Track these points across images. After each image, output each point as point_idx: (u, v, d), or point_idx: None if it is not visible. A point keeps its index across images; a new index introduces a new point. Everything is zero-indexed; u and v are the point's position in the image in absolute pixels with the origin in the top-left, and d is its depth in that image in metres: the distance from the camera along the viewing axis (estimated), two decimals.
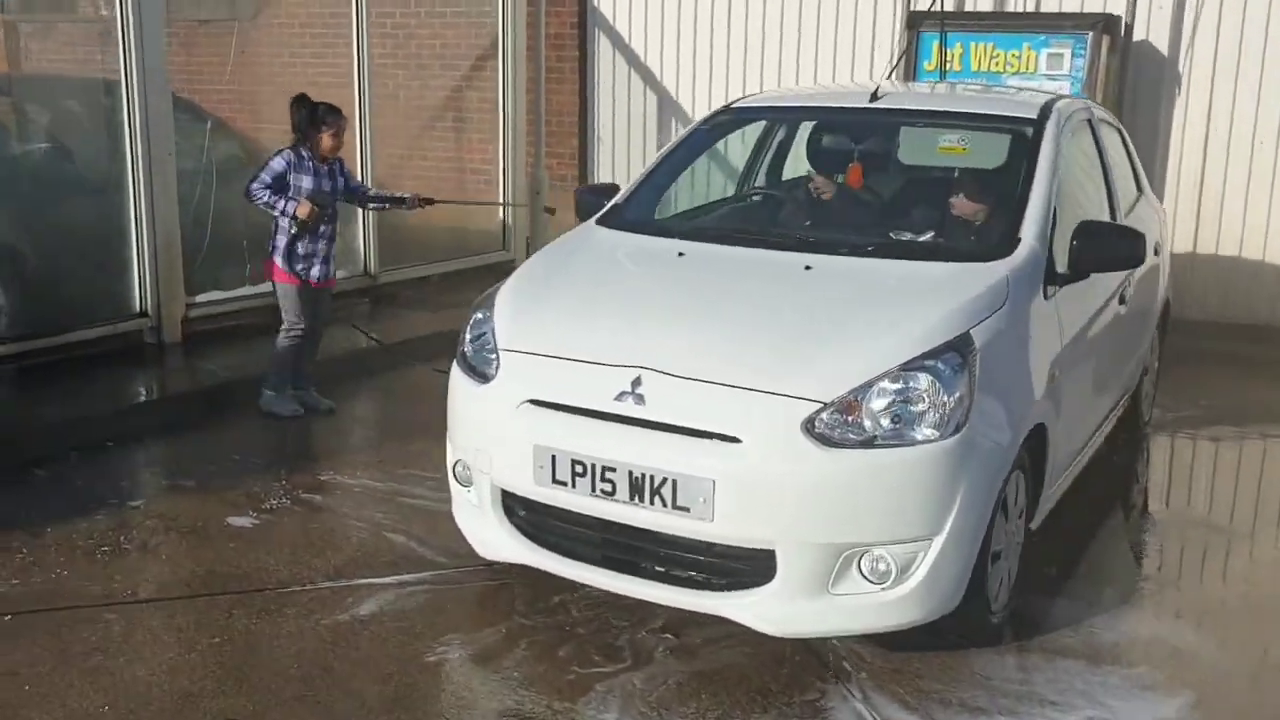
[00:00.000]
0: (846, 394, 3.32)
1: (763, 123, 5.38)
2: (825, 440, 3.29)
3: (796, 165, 5.34)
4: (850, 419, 3.32)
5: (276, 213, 5.58)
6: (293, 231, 5.60)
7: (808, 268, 3.92)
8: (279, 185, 5.58)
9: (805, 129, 5.25)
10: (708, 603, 3.47)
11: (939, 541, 3.33)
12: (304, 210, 5.51)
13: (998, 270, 3.82)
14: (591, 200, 4.91)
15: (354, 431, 5.93)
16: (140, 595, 3.93)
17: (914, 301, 3.66)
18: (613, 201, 4.74)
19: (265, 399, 5.85)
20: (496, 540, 3.82)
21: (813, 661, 3.60)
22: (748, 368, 3.43)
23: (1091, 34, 7.61)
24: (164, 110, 6.67)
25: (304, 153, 5.64)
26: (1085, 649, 3.75)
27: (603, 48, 10.18)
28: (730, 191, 5.41)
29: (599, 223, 4.61)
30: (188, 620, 3.77)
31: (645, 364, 3.51)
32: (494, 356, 3.85)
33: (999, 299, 3.67)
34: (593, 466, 3.48)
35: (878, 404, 3.33)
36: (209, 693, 3.35)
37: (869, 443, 3.31)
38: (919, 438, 3.31)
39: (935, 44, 7.96)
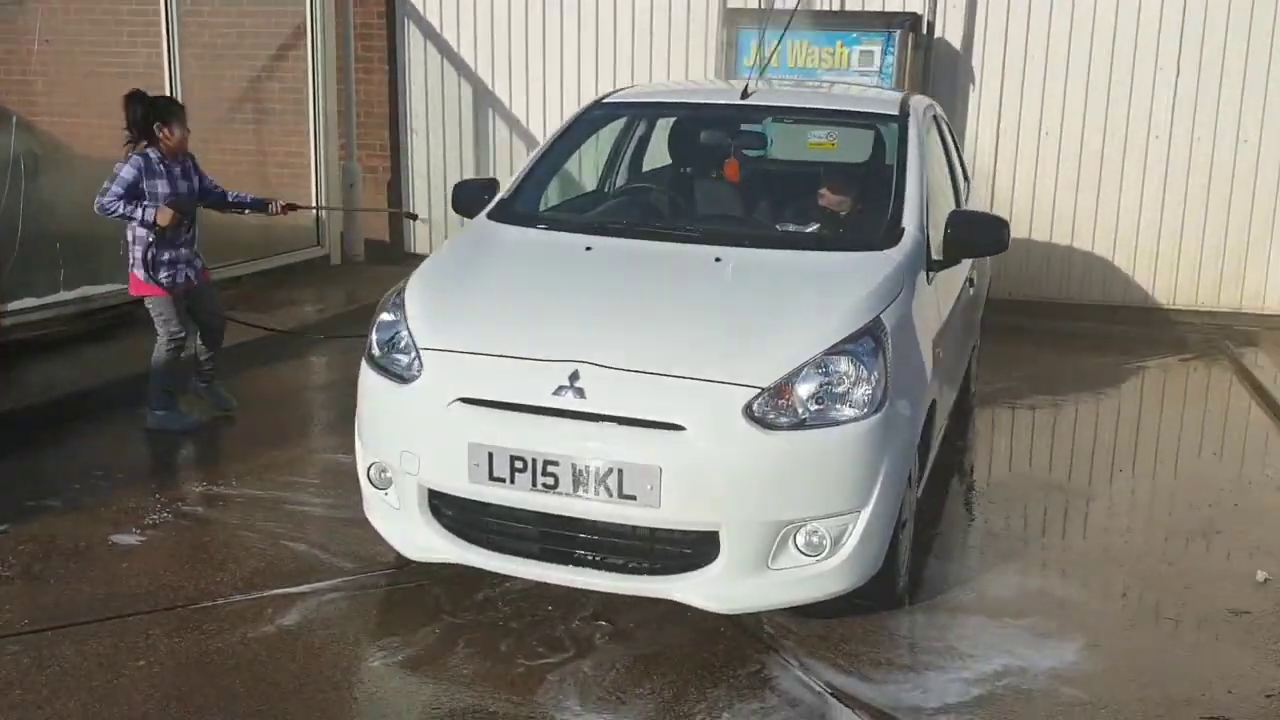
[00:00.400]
0: (780, 379, 3.50)
1: (621, 118, 5.48)
2: (763, 424, 3.45)
3: (657, 159, 5.48)
4: (783, 403, 3.50)
5: (135, 223, 5.29)
6: (150, 240, 5.32)
7: (717, 259, 4.08)
8: (132, 194, 5.29)
9: (666, 124, 5.40)
10: (653, 586, 3.58)
11: (866, 513, 3.55)
12: (165, 218, 5.26)
13: (892, 258, 4.09)
14: (473, 194, 4.92)
15: (213, 440, 5.70)
16: (41, 624, 3.70)
17: (826, 290, 3.88)
18: (499, 196, 4.76)
19: (154, 419, 5.52)
20: (425, 541, 3.80)
21: (744, 636, 3.77)
22: (686, 358, 3.55)
23: (899, 32, 8.10)
24: None
25: (153, 155, 5.36)
26: (981, 605, 4.07)
27: (413, 38, 10.04)
28: (593, 185, 5.48)
29: (491, 218, 4.62)
30: (103, 645, 3.59)
31: (581, 358, 3.58)
32: (412, 356, 3.82)
33: (897, 285, 3.94)
34: (533, 461, 3.52)
35: (806, 388, 3.52)
36: (155, 717, 3.21)
37: (800, 424, 3.49)
38: (845, 417, 3.52)
39: (754, 42, 8.29)
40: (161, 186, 5.35)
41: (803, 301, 3.81)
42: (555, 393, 3.55)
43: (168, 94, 7.88)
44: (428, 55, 10.04)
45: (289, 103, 9.84)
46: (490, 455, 3.56)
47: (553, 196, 5.33)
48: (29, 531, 4.40)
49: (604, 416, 3.50)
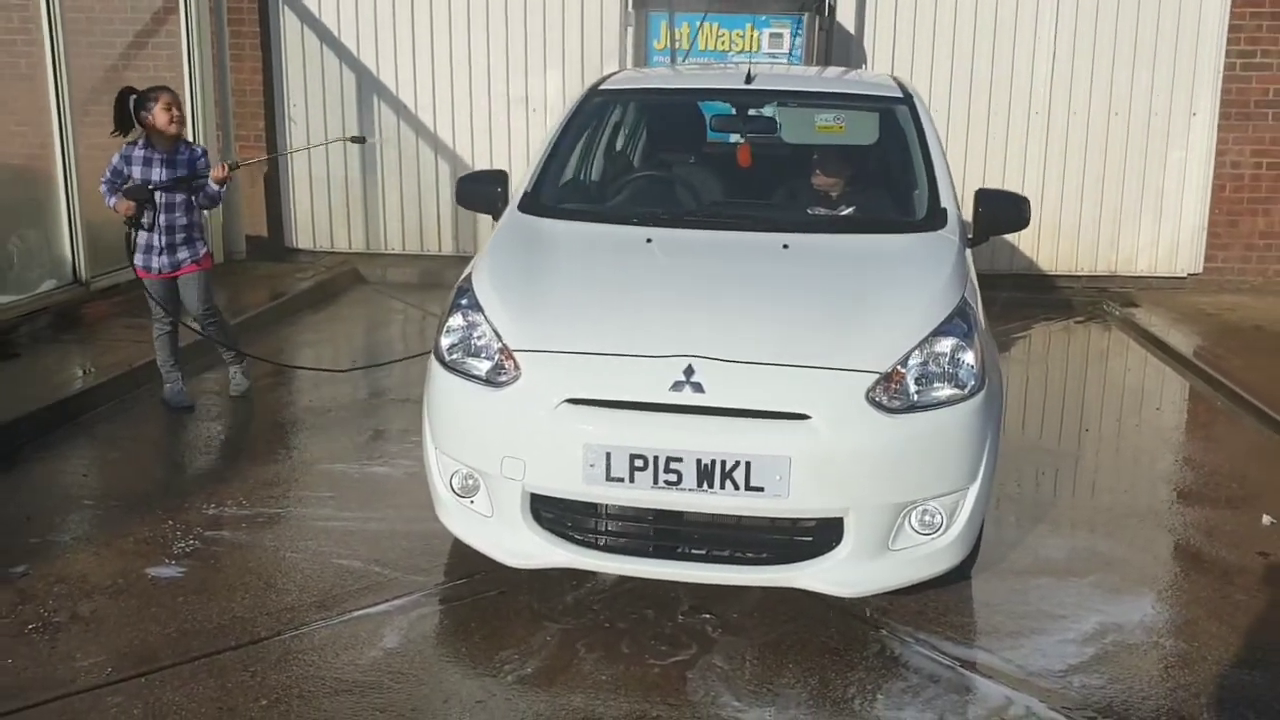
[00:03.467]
0: (895, 363, 3.55)
1: (609, 104, 5.40)
2: (883, 408, 3.50)
3: (653, 145, 5.44)
4: (895, 386, 3.56)
5: (112, 210, 5.50)
6: (126, 228, 5.50)
7: (785, 246, 4.10)
8: (119, 180, 5.46)
9: (662, 111, 5.35)
10: (778, 575, 3.59)
11: (974, 488, 3.66)
12: (122, 207, 5.43)
13: (949, 239, 4.21)
14: (481, 188, 4.78)
15: (198, 455, 5.34)
16: (128, 670, 3.39)
17: (910, 273, 3.96)
18: (523, 189, 4.62)
19: (164, 391, 5.83)
20: (527, 547, 3.67)
21: (849, 618, 3.82)
22: (800, 347, 3.56)
23: (806, 15, 8.27)
24: None
25: (140, 144, 5.45)
26: (1041, 567, 4.26)
27: (288, 21, 9.61)
28: (590, 173, 5.37)
29: (523, 211, 4.49)
30: (209, 687, 3.32)
31: (693, 352, 3.53)
32: (501, 359, 3.69)
33: (964, 265, 4.07)
34: (655, 459, 3.46)
35: (914, 370, 3.59)
36: None
37: (912, 407, 3.55)
38: (953, 397, 3.60)
39: (663, 24, 8.30)
40: (136, 173, 5.44)
41: (893, 285, 3.87)
42: (673, 388, 3.49)
43: (53, 86, 7.32)
44: (305, 39, 9.62)
45: None
46: (608, 455, 3.48)
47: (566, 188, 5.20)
48: (53, 571, 4.01)
49: (726, 410, 3.47)
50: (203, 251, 5.73)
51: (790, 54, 8.32)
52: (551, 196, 4.66)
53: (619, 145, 5.33)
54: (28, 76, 7.74)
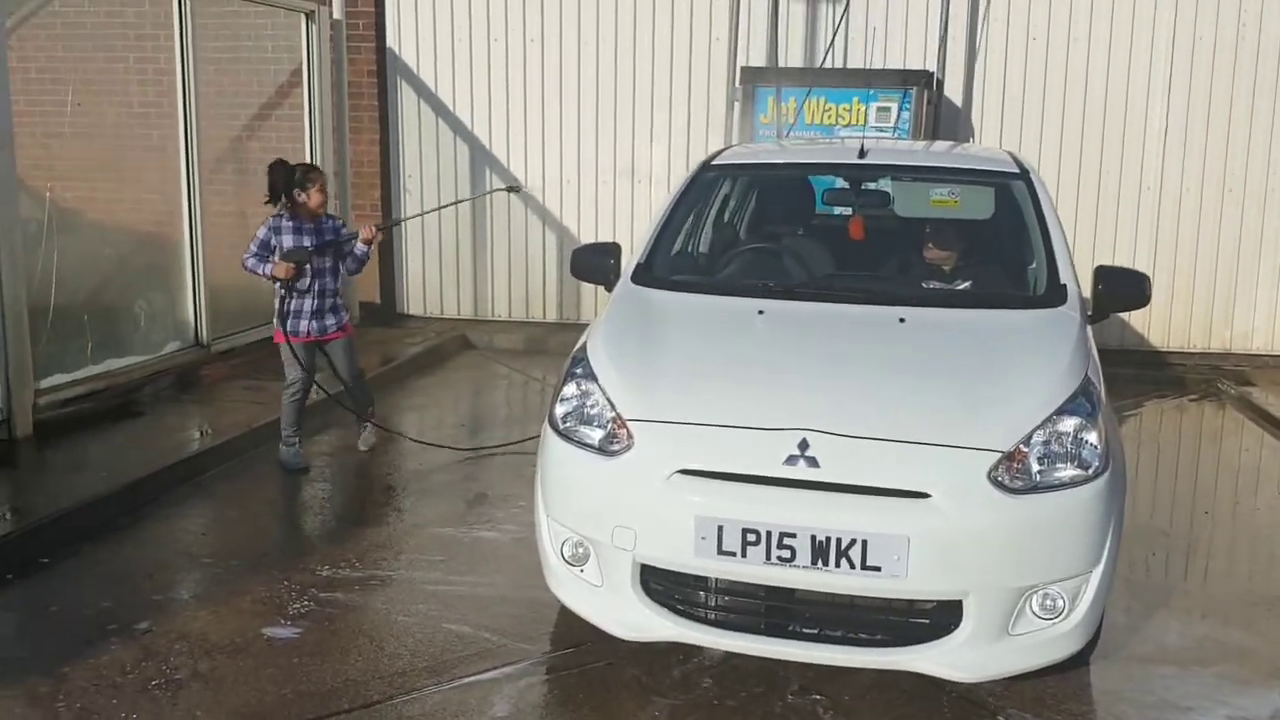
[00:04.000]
0: (1018, 442, 3.49)
1: (721, 179, 5.45)
2: (1005, 488, 3.44)
3: (763, 218, 5.47)
4: (1017, 466, 3.49)
5: (264, 277, 5.76)
6: (280, 293, 5.75)
7: (901, 320, 4.08)
8: (265, 252, 5.77)
9: (774, 185, 5.39)
10: (894, 658, 3.52)
11: (1098, 572, 3.56)
12: (280, 270, 5.67)
13: (1071, 316, 4.15)
14: (595, 260, 4.86)
15: (312, 516, 5.46)
16: None
17: (1032, 350, 3.90)
18: (636, 261, 4.68)
19: (280, 453, 6.04)
20: (637, 619, 3.66)
21: (966, 703, 3.73)
22: (919, 424, 3.52)
23: (915, 89, 8.28)
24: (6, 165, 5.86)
25: (284, 215, 5.78)
26: (1164, 655, 4.11)
27: (405, 95, 9.91)
28: (701, 246, 5.42)
29: (636, 282, 4.54)
30: None
31: (808, 425, 3.52)
32: (610, 428, 3.72)
33: (1085, 342, 4.00)
34: (768, 534, 3.44)
35: (1039, 450, 3.52)
36: None
37: (1034, 488, 3.48)
38: (1077, 478, 3.52)
39: (770, 99, 8.38)
40: (287, 241, 5.75)
41: (1015, 362, 3.82)
42: (787, 462, 3.48)
43: (184, 153, 7.66)
44: (421, 113, 9.91)
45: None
46: (720, 528, 3.47)
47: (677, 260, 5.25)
48: (174, 628, 4.12)
49: (843, 486, 3.44)
50: (346, 318, 6.07)
51: (896, 128, 8.33)
52: (664, 268, 4.71)
53: (732, 218, 5.37)
54: (159, 148, 8.11)
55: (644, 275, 4.60)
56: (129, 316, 7.38)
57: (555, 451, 3.85)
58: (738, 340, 4.07)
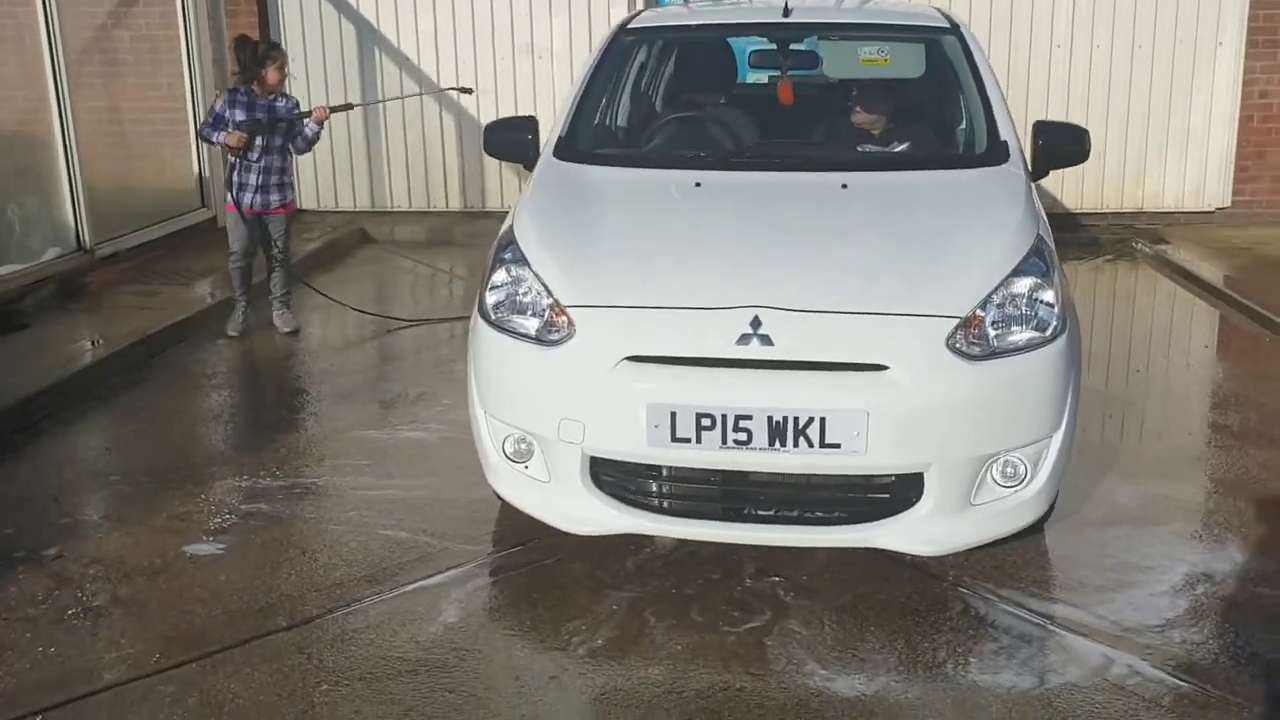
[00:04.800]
0: (975, 307, 3.35)
1: (638, 44, 5.13)
2: (964, 355, 3.30)
3: (686, 85, 5.18)
4: (974, 332, 3.35)
5: (217, 145, 6.13)
6: (230, 160, 6.02)
7: (844, 186, 3.88)
8: (219, 123, 6.01)
9: (694, 49, 5.10)
10: (855, 535, 3.40)
11: (1058, 436, 3.46)
12: (232, 139, 5.92)
13: (1015, 174, 4.00)
14: (512, 136, 4.55)
15: (222, 425, 5.14)
16: (177, 657, 3.21)
17: (979, 210, 3.75)
18: (557, 134, 4.39)
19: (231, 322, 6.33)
20: (588, 513, 3.48)
21: (924, 576, 3.65)
22: (873, 293, 3.36)
23: None
24: None
25: (241, 90, 6.04)
26: (1117, 516, 4.08)
27: None
28: (624, 117, 5.11)
29: (560, 158, 4.26)
30: (265, 673, 3.13)
31: (758, 303, 3.32)
32: (551, 315, 3.48)
33: (1032, 200, 3.85)
34: (723, 418, 3.26)
35: (993, 314, 3.39)
36: None
37: (993, 353, 3.35)
38: (1035, 341, 3.40)
39: None
40: (240, 114, 5.98)
41: (965, 224, 3.66)
42: (739, 342, 3.28)
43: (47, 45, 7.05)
44: None
45: (142, 51, 8.91)
46: (673, 415, 3.28)
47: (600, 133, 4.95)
48: (87, 552, 3.82)
49: (798, 363, 3.27)
50: (291, 196, 6.29)
51: None
52: (588, 142, 4.44)
53: (650, 87, 5.07)
54: (15, 38, 7.44)
55: (567, 150, 4.31)
56: (1, 223, 6.84)
57: (489, 344, 3.61)
58: (676, 215, 3.84)
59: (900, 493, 3.37)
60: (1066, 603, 3.51)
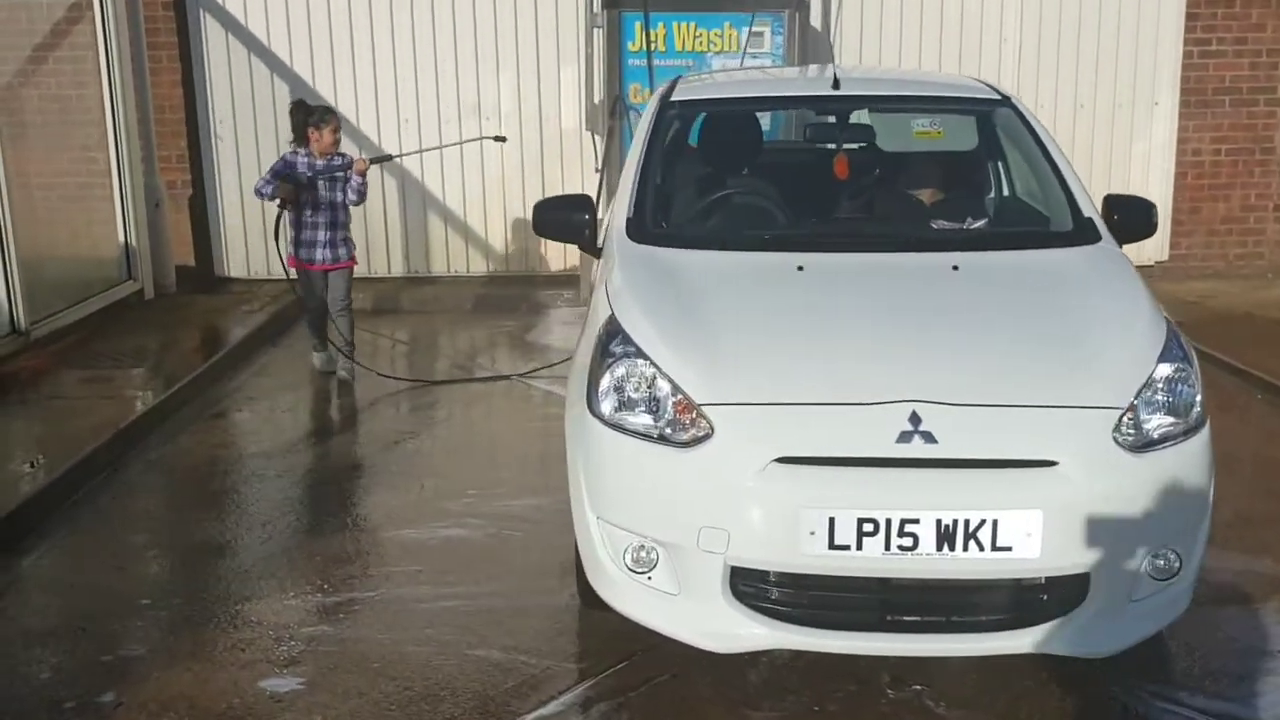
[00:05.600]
0: (1132, 397, 3.23)
1: (682, 117, 4.91)
2: (1127, 448, 3.17)
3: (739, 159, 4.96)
4: (1131, 422, 3.23)
5: (269, 200, 6.41)
6: (288, 218, 6.45)
7: (955, 267, 3.74)
8: (275, 178, 6.33)
9: (740, 122, 4.91)
10: (1019, 641, 3.20)
11: (1204, 526, 3.37)
12: (282, 192, 6.29)
13: (1115, 253, 3.93)
14: (568, 215, 4.30)
15: (237, 530, 4.65)
16: None
17: (1106, 294, 3.64)
18: (626, 216, 4.13)
19: (313, 359, 6.85)
20: (732, 628, 3.21)
21: (1069, 681, 3.47)
22: (1034, 384, 3.21)
23: (787, 13, 7.95)
24: None
25: (300, 151, 6.39)
26: (1219, 594, 4.00)
27: (211, 30, 8.82)
28: (682, 194, 4.83)
29: (634, 239, 4.01)
30: None
31: (914, 396, 3.14)
32: (677, 414, 3.22)
33: (1144, 281, 3.78)
34: (887, 522, 3.05)
35: (1148, 403, 3.27)
36: None
37: (1150, 444, 3.23)
38: (1186, 427, 3.30)
39: (638, 25, 7.86)
40: (296, 171, 6.34)
41: (1097, 309, 3.54)
42: (899, 440, 3.09)
43: None
44: (230, 49, 8.81)
45: (51, 113, 8.30)
46: (831, 520, 3.06)
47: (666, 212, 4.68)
48: (149, 697, 3.35)
49: (963, 461, 3.09)
50: (345, 254, 6.56)
51: (771, 54, 7.98)
52: (658, 222, 4.20)
53: (698, 161, 4.86)
54: None
55: (640, 231, 4.07)
56: None
57: (606, 446, 3.32)
58: (791, 303, 3.62)
59: (1064, 594, 3.20)
60: (1218, 695, 3.40)
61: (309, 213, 6.36)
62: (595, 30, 8.21)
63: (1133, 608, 3.27)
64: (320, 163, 6.34)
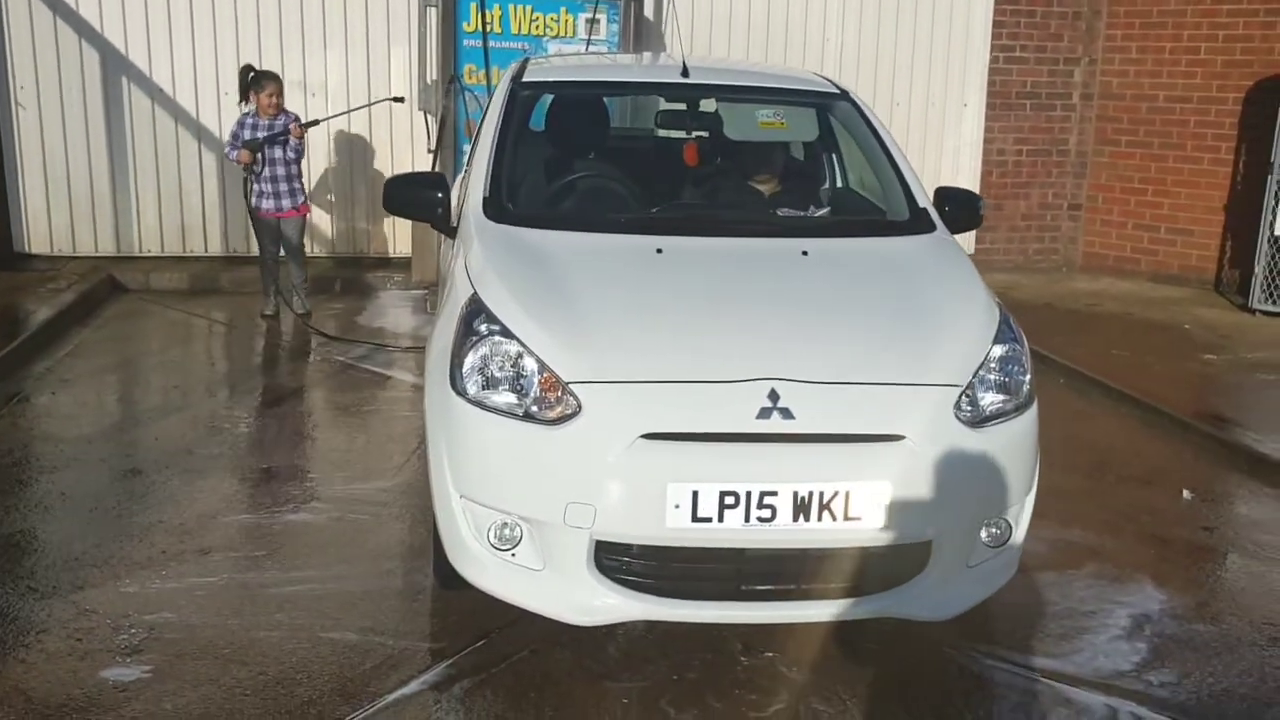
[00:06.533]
0: (971, 376, 3.43)
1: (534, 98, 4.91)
2: (966, 424, 3.38)
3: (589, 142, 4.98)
4: (968, 399, 3.43)
5: (235, 162, 7.27)
6: (245, 175, 7.20)
7: (804, 253, 3.88)
8: (236, 141, 7.17)
9: (590, 105, 4.95)
10: (868, 607, 3.36)
11: (1030, 497, 3.61)
12: (243, 156, 7.11)
13: (949, 241, 4.15)
14: (420, 193, 4.26)
15: (65, 516, 4.41)
16: None
17: (944, 280, 3.84)
18: (481, 195, 4.11)
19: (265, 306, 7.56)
20: (598, 601, 3.26)
21: (910, 644, 3.67)
22: (879, 363, 3.37)
23: (623, 1, 8.03)
24: None
25: (249, 113, 7.18)
26: (1031, 562, 4.27)
27: None
28: (533, 175, 4.81)
29: (493, 219, 4.00)
30: None
31: (772, 374, 3.26)
32: (542, 391, 3.26)
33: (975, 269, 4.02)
34: (747, 495, 3.16)
35: (984, 381, 3.48)
36: None
37: (985, 420, 3.44)
38: (1017, 405, 3.52)
39: (473, 5, 7.80)
40: (246, 135, 7.12)
41: (937, 294, 3.72)
42: (759, 415, 3.20)
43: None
44: (34, 12, 8.28)
45: None
46: (695, 494, 3.15)
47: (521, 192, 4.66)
48: None
49: (819, 436, 3.23)
50: (300, 201, 7.34)
51: (607, 40, 8.05)
52: (515, 202, 4.20)
53: (552, 143, 4.87)
54: None
55: (497, 210, 4.06)
56: None
57: (470, 425, 3.32)
58: (653, 284, 3.68)
59: (906, 560, 3.38)
60: (1042, 653, 3.66)
61: (262, 168, 7.14)
62: (429, 9, 8.09)
63: (969, 573, 3.48)
64: (264, 122, 7.09)
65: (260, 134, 7.11)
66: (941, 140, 9.63)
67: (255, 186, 7.21)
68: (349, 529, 4.36)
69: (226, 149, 7.30)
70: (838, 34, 9.30)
